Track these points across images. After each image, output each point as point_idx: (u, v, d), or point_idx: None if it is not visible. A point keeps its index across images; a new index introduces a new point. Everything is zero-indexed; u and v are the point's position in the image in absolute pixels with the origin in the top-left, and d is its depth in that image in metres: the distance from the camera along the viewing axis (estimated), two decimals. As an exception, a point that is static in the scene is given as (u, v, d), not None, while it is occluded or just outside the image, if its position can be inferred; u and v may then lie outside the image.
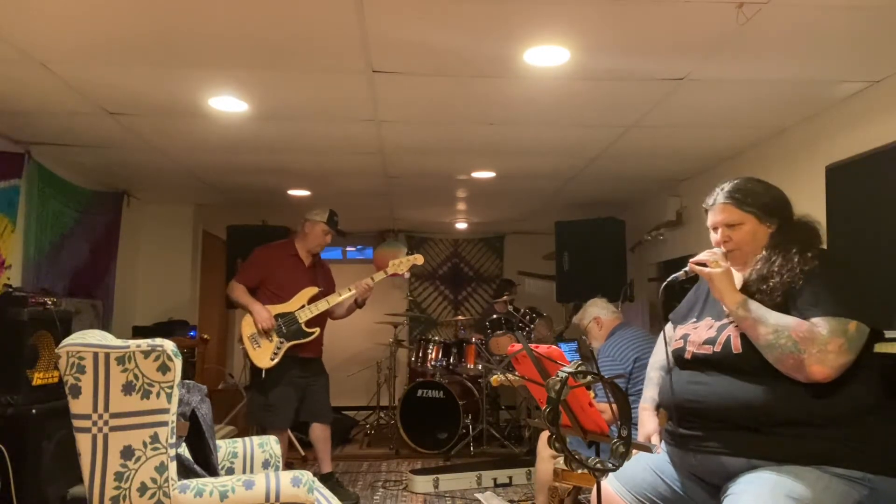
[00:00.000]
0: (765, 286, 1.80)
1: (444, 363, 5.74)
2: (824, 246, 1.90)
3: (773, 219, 1.88)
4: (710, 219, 1.96)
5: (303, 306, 3.95)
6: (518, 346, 1.83)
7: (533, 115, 3.52)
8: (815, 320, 1.68)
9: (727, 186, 1.93)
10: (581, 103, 3.34)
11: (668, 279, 1.98)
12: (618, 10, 2.35)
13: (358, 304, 4.12)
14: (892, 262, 2.77)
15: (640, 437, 2.15)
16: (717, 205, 1.93)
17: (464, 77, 2.99)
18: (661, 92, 3.15)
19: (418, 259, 4.17)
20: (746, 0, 2.26)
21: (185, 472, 2.09)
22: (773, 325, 1.70)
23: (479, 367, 5.60)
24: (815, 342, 1.64)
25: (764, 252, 1.86)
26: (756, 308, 1.76)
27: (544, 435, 3.04)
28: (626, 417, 1.64)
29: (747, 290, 1.83)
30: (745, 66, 2.84)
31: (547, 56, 2.74)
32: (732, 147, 4.11)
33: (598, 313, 3.44)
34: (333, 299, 3.98)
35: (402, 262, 4.10)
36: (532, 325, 5.58)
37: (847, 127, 3.23)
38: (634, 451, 1.74)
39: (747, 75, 2.94)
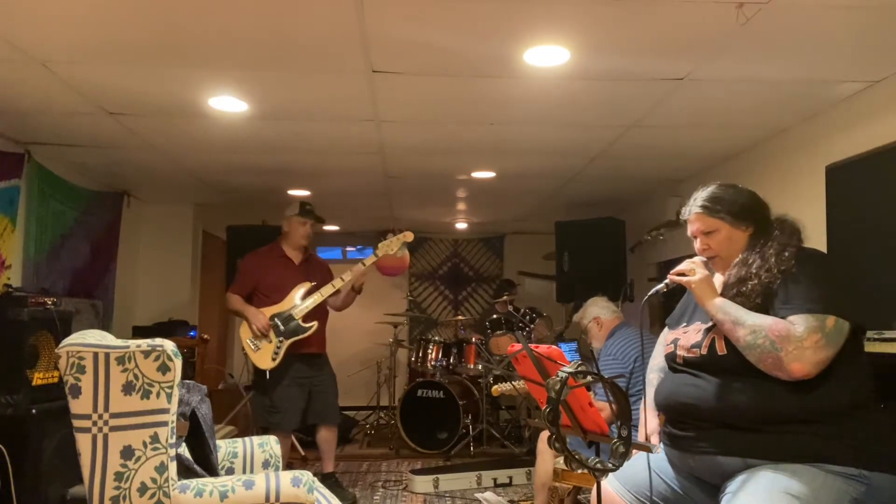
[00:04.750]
0: (744, 288, 1.82)
1: (444, 363, 5.74)
2: (806, 244, 1.91)
3: (746, 222, 1.92)
4: (689, 229, 2.01)
5: (297, 303, 3.95)
6: (518, 346, 1.83)
7: (533, 115, 3.52)
8: (791, 318, 1.69)
9: (699, 195, 1.98)
10: (581, 103, 3.34)
11: (650, 293, 2.04)
12: (618, 10, 2.35)
13: (355, 289, 4.10)
14: (892, 261, 2.77)
15: (640, 436, 2.15)
16: (691, 215, 1.98)
17: (464, 77, 2.99)
18: (661, 92, 3.15)
19: (408, 236, 4.07)
20: (746, 0, 2.26)
21: (185, 472, 2.09)
22: (751, 325, 1.72)
23: (479, 367, 5.60)
24: (791, 340, 1.65)
25: (741, 255, 1.89)
26: (734, 310, 1.78)
27: (544, 435, 3.04)
28: (626, 417, 1.64)
29: (726, 293, 1.86)
30: (744, 66, 2.84)
31: (547, 56, 2.74)
32: (732, 147, 4.11)
33: (598, 313, 3.43)
34: (327, 290, 3.97)
35: (392, 242, 4.02)
36: (532, 325, 5.58)
37: (847, 127, 3.22)
38: (634, 450, 1.74)
39: (747, 75, 2.94)
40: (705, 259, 1.96)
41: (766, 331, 1.69)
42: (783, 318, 1.71)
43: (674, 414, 1.91)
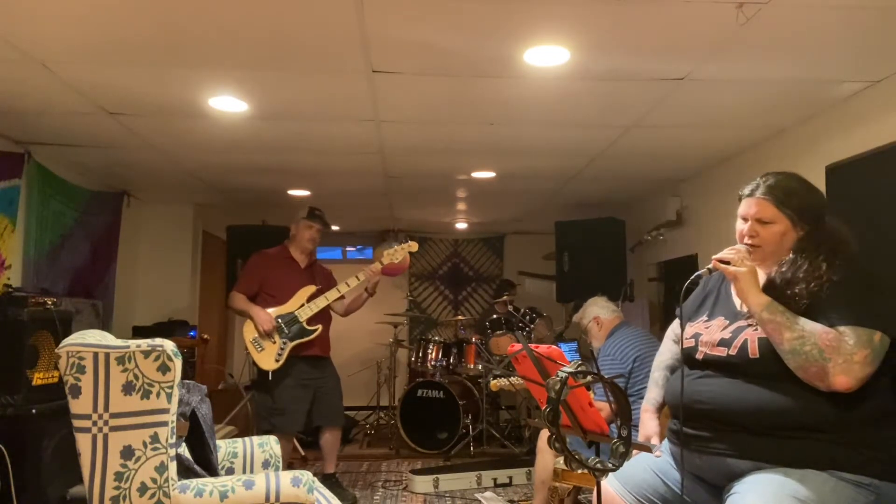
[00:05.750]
0: (790, 291, 1.75)
1: (444, 363, 5.74)
2: (852, 251, 1.84)
3: (804, 224, 1.83)
4: (743, 208, 1.89)
5: (302, 305, 3.95)
6: (518, 346, 1.83)
7: (533, 115, 3.52)
8: (841, 329, 1.65)
9: (770, 180, 1.86)
10: (581, 103, 3.34)
11: (692, 277, 1.89)
12: (618, 10, 2.35)
13: (368, 290, 4.10)
14: (892, 262, 2.77)
15: (640, 438, 2.14)
16: (754, 197, 1.86)
17: (464, 77, 2.99)
18: (661, 92, 3.15)
19: (412, 246, 4.10)
20: (746, 0, 2.26)
21: (185, 472, 2.09)
22: (799, 330, 1.66)
23: (479, 367, 5.60)
24: (841, 352, 1.61)
25: (791, 255, 1.81)
26: (782, 312, 1.71)
27: (544, 434, 3.04)
28: (626, 417, 1.64)
29: (770, 291, 1.79)
30: (744, 66, 2.84)
31: (547, 56, 2.74)
32: (732, 147, 4.11)
33: (597, 313, 3.44)
34: (332, 294, 3.98)
35: (397, 251, 4.05)
36: (532, 325, 5.58)
37: (847, 127, 3.22)
38: (634, 451, 1.74)
39: (747, 75, 2.94)
40: (748, 248, 1.85)
41: (815, 338, 1.64)
42: (832, 326, 1.66)
43: (687, 412, 1.84)
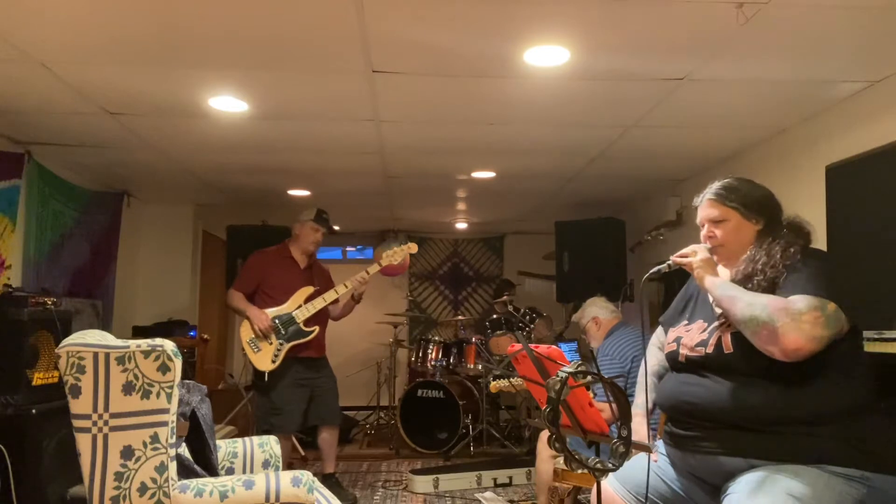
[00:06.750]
0: (749, 285, 1.81)
1: (444, 363, 5.75)
2: (816, 245, 1.91)
3: (758, 216, 1.92)
4: (698, 215, 2.02)
5: (300, 306, 3.94)
6: (518, 346, 1.83)
7: (533, 115, 3.52)
8: (792, 297, 1.68)
9: (715, 184, 2.00)
10: (581, 103, 3.34)
11: (650, 272, 2.03)
12: (618, 10, 2.35)
13: (355, 298, 4.10)
14: (892, 261, 2.77)
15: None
16: (703, 201, 2.00)
17: (464, 77, 2.99)
18: (661, 92, 3.15)
19: (412, 248, 4.09)
20: (746, 0, 2.26)
21: (185, 472, 2.09)
22: (749, 299, 1.72)
23: (479, 367, 5.60)
24: (789, 312, 1.64)
25: (749, 251, 1.89)
26: (733, 287, 1.80)
27: (544, 435, 3.04)
28: (627, 417, 1.64)
29: None
30: (745, 66, 2.84)
31: (547, 56, 2.74)
32: (732, 147, 4.11)
33: (596, 313, 3.44)
34: (330, 296, 3.97)
35: (396, 253, 4.05)
36: (532, 325, 5.58)
37: (847, 127, 3.23)
38: (634, 450, 1.74)
39: (747, 75, 2.94)
40: (709, 247, 1.96)
41: (763, 303, 1.69)
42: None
43: (677, 413, 1.89)
